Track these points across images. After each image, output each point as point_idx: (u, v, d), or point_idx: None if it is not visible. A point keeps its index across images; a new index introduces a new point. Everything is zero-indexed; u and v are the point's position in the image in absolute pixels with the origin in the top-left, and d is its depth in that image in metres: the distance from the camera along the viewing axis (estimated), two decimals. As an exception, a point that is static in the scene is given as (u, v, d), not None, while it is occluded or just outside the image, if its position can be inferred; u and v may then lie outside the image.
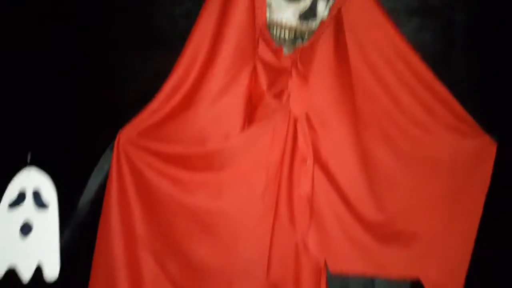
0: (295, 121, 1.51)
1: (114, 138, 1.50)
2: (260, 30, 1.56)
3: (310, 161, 1.50)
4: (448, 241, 1.50)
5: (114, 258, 1.49)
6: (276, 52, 1.58)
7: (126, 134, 1.52)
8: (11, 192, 1.47)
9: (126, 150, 1.51)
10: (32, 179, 1.49)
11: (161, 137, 1.54)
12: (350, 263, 1.50)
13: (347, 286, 1.55)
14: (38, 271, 1.45)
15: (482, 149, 1.51)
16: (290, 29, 1.59)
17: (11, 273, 1.44)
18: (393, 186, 1.53)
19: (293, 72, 1.53)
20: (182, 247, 1.53)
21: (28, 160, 1.50)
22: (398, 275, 1.52)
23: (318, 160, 1.51)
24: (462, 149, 1.52)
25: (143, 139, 1.52)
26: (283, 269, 1.48)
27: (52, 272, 1.46)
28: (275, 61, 1.57)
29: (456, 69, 1.58)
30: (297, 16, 1.50)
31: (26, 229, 1.47)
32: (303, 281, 1.48)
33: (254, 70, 1.55)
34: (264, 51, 1.58)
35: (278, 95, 1.54)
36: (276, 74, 1.56)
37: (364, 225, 1.50)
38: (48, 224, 1.48)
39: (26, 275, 1.44)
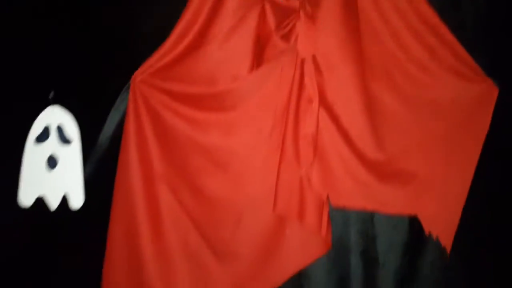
0: (302, 63, 1.55)
1: (129, 78, 1.59)
2: (269, -32, 1.57)
3: (315, 102, 1.55)
4: (445, 181, 1.56)
5: (133, 191, 1.61)
6: (285, -9, 1.59)
7: (141, 75, 1.59)
8: (37, 128, 1.59)
9: (141, 90, 1.59)
10: (55, 116, 1.60)
11: (174, 77, 1.61)
12: (351, 198, 1.58)
13: (348, 220, 1.65)
14: (64, 200, 1.59)
15: (484, 93, 1.53)
16: (298, -33, 1.59)
17: (40, 202, 1.59)
18: (395, 128, 1.57)
19: (301, 13, 1.55)
20: (196, 182, 1.64)
21: (51, 99, 1.60)
22: (396, 212, 1.60)
23: (323, 101, 1.56)
24: (463, 93, 1.54)
25: (157, 79, 1.60)
26: (288, 202, 1.57)
27: (76, 201, 1.60)
28: (283, 1, 1.59)
29: (463, 13, 1.56)
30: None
31: (52, 162, 1.60)
32: (307, 213, 1.57)
33: (262, 10, 1.58)
34: (272, -10, 1.60)
35: (286, 36, 1.57)
36: (284, 14, 1.58)
37: (365, 163, 1.56)
38: (71, 158, 1.60)
39: (53, 203, 1.59)
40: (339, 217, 1.63)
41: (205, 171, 1.63)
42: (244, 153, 1.62)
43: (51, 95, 1.60)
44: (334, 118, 1.57)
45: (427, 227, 1.57)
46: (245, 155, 1.62)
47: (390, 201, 1.58)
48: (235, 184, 1.63)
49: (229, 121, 1.61)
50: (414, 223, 1.60)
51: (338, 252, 1.65)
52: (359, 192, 1.58)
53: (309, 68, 1.55)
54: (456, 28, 1.52)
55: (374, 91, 1.57)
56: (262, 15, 1.57)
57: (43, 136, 1.60)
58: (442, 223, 1.57)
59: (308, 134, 1.55)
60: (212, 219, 1.64)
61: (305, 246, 1.61)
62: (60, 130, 1.60)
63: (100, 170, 1.63)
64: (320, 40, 1.55)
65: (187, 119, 1.60)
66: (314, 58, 1.55)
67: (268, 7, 1.57)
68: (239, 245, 1.63)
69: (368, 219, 1.64)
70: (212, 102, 1.62)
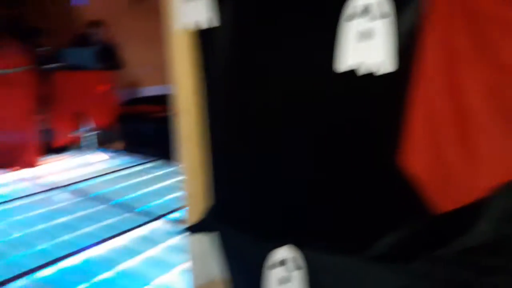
0: None
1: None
2: None
3: None
4: None
5: (435, 64, 1.77)
6: None
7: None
8: (356, 5, 1.85)
9: None
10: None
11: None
12: None
13: None
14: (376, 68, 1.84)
15: None
16: None
17: (357, 69, 1.87)
18: None
19: None
20: (500, 59, 1.74)
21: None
22: None
23: None
24: None
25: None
26: None
27: (388, 68, 1.84)
28: None
29: None
30: None
31: (367, 35, 1.87)
32: None
33: None
34: None
35: None
36: None
37: None
38: (386, 31, 1.84)
39: (374, 69, 1.85)
40: None
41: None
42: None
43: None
44: None
45: None
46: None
47: None
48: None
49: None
50: None
51: None
52: None
53: None
54: None
55: None
56: None
57: (364, 12, 1.84)
58: None
59: None
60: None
61: None
62: (375, 6, 1.84)
63: (409, 43, 1.82)
64: None
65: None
66: None
67: None
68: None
69: None
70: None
